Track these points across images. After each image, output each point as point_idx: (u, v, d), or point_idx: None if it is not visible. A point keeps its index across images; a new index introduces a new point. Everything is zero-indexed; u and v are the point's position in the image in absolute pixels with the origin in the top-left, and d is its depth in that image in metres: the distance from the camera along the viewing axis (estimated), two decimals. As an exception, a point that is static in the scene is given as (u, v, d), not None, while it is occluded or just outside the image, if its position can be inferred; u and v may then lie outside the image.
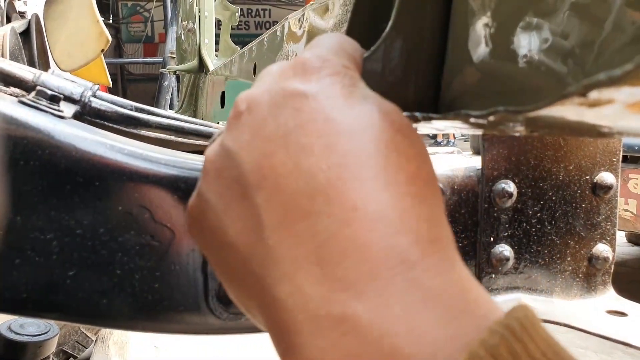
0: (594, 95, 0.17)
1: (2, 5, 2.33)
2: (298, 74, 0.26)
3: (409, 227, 0.22)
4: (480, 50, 0.25)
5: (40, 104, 0.39)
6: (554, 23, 0.20)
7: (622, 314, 0.51)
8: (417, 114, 0.28)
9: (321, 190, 0.23)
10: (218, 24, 2.38)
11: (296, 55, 0.89)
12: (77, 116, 0.42)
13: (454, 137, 9.09)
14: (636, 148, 2.46)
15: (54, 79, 0.43)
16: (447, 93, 0.28)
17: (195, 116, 2.24)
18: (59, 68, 2.08)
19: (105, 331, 1.36)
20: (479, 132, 0.37)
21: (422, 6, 0.28)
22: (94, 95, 0.44)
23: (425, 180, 0.24)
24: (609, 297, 0.53)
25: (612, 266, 0.53)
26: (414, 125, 0.29)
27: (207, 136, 0.50)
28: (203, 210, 0.28)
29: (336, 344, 0.20)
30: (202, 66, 2.30)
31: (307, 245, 0.22)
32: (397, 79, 0.29)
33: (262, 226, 0.24)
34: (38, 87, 0.41)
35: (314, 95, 0.25)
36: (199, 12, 2.29)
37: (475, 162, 0.51)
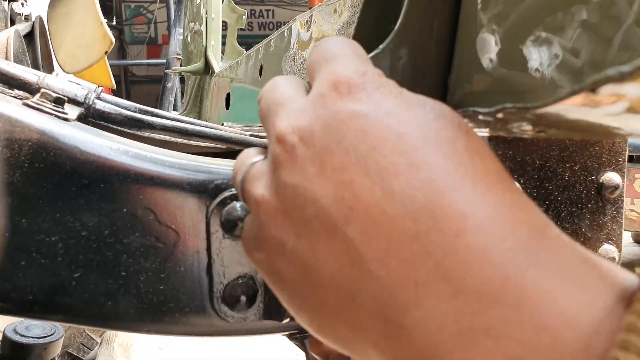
0: (603, 91, 0.17)
1: (6, 8, 2.33)
2: (344, 94, 0.25)
3: (522, 221, 0.22)
4: (490, 57, 0.24)
5: (45, 107, 0.39)
6: (564, 39, 0.19)
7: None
8: None
9: (423, 208, 0.22)
10: (224, 26, 2.37)
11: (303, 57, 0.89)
12: (82, 118, 0.42)
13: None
14: (642, 148, 2.44)
15: (58, 81, 0.42)
16: (455, 94, 0.28)
17: (199, 117, 2.24)
18: (63, 70, 2.08)
19: (110, 333, 1.36)
20: (485, 132, 0.37)
21: (429, 9, 0.28)
22: (98, 98, 0.44)
23: (507, 175, 0.24)
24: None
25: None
26: None
27: (211, 138, 0.49)
28: (281, 257, 0.26)
29: (492, 353, 0.20)
30: (207, 68, 2.30)
31: (424, 266, 0.21)
32: (403, 80, 0.28)
33: (364, 260, 0.23)
34: (42, 90, 0.41)
35: (374, 113, 0.24)
36: (206, 14, 2.28)
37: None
